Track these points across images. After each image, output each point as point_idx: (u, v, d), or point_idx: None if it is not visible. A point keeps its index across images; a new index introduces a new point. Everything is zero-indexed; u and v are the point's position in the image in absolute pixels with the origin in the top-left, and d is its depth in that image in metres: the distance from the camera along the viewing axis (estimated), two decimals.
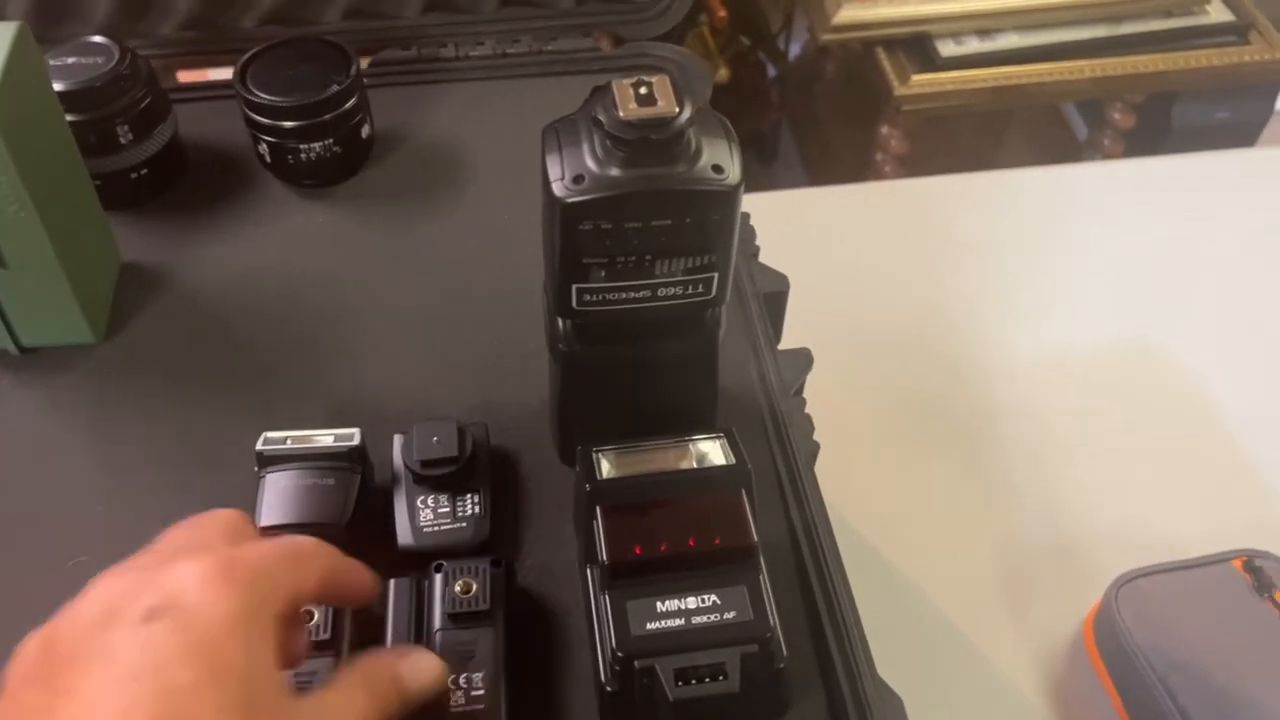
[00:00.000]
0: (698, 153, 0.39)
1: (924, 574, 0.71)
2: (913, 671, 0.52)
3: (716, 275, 0.42)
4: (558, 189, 0.38)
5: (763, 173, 1.84)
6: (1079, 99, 1.70)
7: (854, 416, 0.79)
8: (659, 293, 0.42)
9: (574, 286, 0.41)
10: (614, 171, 0.38)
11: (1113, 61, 1.50)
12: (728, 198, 0.39)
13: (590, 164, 0.38)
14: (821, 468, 0.54)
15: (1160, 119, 1.67)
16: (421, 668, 0.39)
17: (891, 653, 0.47)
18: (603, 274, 0.41)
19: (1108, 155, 1.66)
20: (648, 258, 0.40)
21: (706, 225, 0.40)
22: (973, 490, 0.77)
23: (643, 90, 0.38)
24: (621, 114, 0.37)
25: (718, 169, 0.39)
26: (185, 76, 0.78)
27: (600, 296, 0.42)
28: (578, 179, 0.38)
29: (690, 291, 0.42)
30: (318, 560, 0.37)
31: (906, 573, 0.71)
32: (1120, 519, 0.75)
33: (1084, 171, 1.06)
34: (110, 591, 0.33)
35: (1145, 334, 0.87)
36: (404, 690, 0.38)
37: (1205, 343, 0.86)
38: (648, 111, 0.37)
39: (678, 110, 0.37)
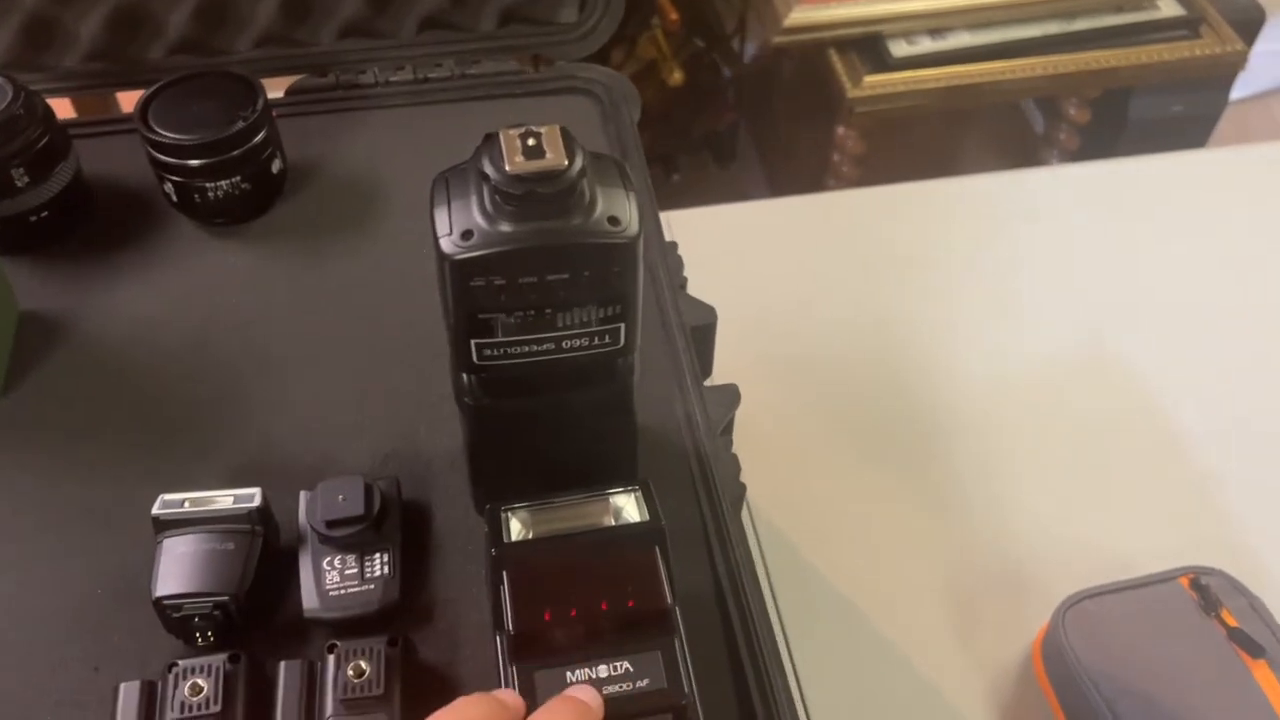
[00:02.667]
0: (592, 204, 0.37)
1: (870, 600, 0.70)
2: (859, 703, 0.51)
3: (624, 325, 0.40)
4: (446, 245, 0.36)
5: (721, 174, 1.82)
6: (1033, 96, 1.69)
7: (797, 434, 0.78)
8: (564, 345, 0.40)
9: (473, 342, 0.40)
10: (504, 227, 0.36)
11: (1066, 59, 1.49)
12: (627, 250, 0.37)
13: (479, 219, 0.36)
14: (762, 496, 0.52)
15: (1116, 113, 1.66)
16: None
17: (836, 684, 0.46)
18: (502, 328, 0.39)
19: (1064, 149, 1.65)
20: (547, 311, 0.39)
21: (608, 277, 0.38)
22: (920, 512, 0.75)
23: (530, 142, 0.36)
24: (508, 168, 0.35)
25: (614, 220, 0.37)
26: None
27: (501, 350, 0.40)
28: (466, 234, 0.36)
29: (598, 343, 0.41)
30: None
31: (851, 602, 0.70)
32: (1069, 537, 0.74)
33: (1034, 178, 1.05)
34: None
35: (1095, 346, 0.86)
36: None
37: (1155, 354, 0.85)
38: (535, 165, 0.35)
39: (567, 163, 0.36)
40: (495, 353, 0.40)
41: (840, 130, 1.55)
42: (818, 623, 0.49)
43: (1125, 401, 0.82)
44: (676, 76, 1.69)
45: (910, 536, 0.74)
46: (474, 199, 0.37)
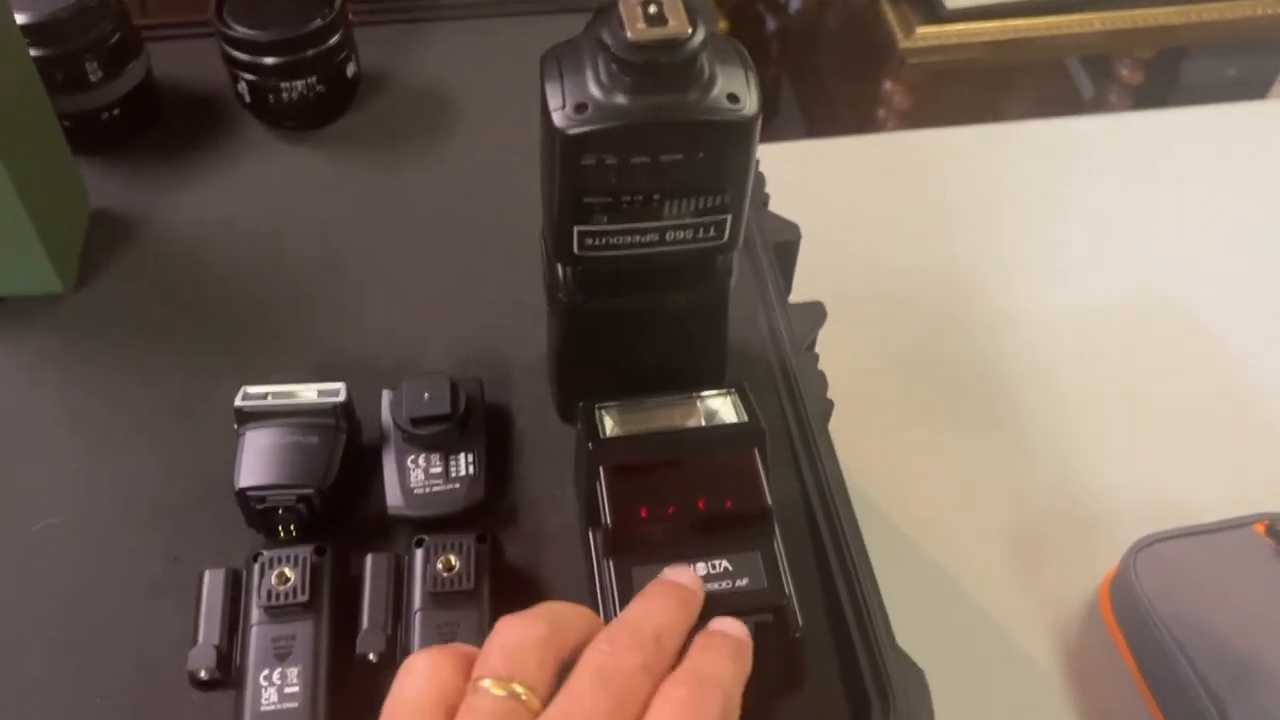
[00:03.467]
0: (711, 80, 0.35)
1: (936, 539, 0.69)
2: (924, 639, 0.50)
3: (729, 217, 0.39)
4: (558, 119, 0.35)
5: (763, 128, 1.79)
6: (1087, 53, 1.66)
7: (863, 375, 0.76)
8: (667, 236, 0.39)
9: (575, 229, 0.38)
10: (620, 100, 0.35)
11: (1122, 15, 1.46)
12: (744, 129, 0.36)
13: (595, 91, 0.35)
14: (832, 425, 0.51)
15: (1168, 76, 1.63)
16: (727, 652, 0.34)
17: (903, 620, 0.45)
18: (606, 216, 0.38)
19: (1115, 112, 1.62)
20: (655, 197, 0.37)
21: (720, 161, 0.37)
22: (986, 453, 0.74)
23: (652, 10, 0.34)
24: (629, 35, 0.34)
25: (733, 98, 0.35)
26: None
27: (603, 240, 0.39)
28: (580, 108, 0.35)
29: (701, 235, 0.39)
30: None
31: (918, 538, 0.69)
32: (1138, 483, 0.73)
33: (1096, 124, 1.03)
34: None
35: (1163, 292, 0.84)
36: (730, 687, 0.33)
37: (1224, 301, 0.83)
38: (658, 32, 0.34)
39: (690, 31, 0.34)
40: (597, 242, 0.39)
41: (888, 84, 1.52)
42: (883, 559, 0.48)
43: (1194, 349, 0.81)
44: (721, 27, 1.66)
45: (975, 477, 0.73)
46: (589, 71, 0.35)
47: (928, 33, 1.43)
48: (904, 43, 1.43)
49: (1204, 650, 0.62)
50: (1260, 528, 0.67)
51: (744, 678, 0.34)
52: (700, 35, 0.34)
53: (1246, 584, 0.65)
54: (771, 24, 1.77)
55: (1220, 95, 1.62)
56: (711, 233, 0.39)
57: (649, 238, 0.39)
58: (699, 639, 0.34)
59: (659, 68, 0.34)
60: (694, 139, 0.36)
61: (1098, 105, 1.66)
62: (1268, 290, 0.84)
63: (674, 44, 0.34)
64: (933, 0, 1.44)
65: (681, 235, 0.39)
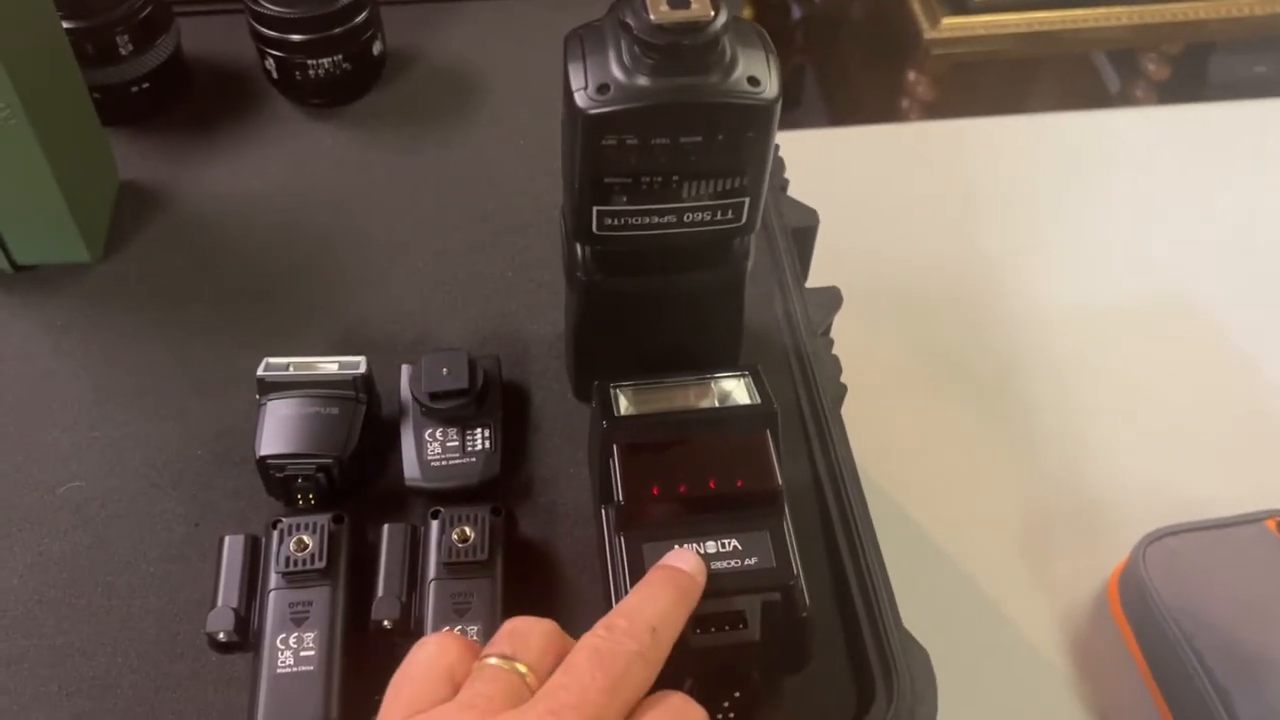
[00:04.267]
0: (733, 63, 0.36)
1: (945, 526, 0.69)
2: (932, 626, 0.50)
3: (747, 200, 0.39)
4: (580, 99, 0.36)
5: (785, 117, 1.78)
6: (1115, 47, 1.64)
7: (876, 362, 0.76)
8: (685, 218, 0.39)
9: (595, 209, 0.39)
10: (642, 81, 0.35)
11: (1151, 8, 1.45)
12: (764, 113, 0.36)
13: (617, 72, 0.35)
14: (844, 412, 0.52)
15: (1195, 72, 1.62)
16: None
17: (910, 606, 0.45)
18: (625, 197, 0.38)
19: (1141, 107, 1.61)
20: (675, 178, 0.38)
21: (740, 144, 0.37)
22: (997, 442, 0.74)
23: None
24: (652, 17, 0.34)
25: (754, 81, 0.36)
26: None
27: (622, 221, 0.39)
28: (602, 88, 0.35)
29: (719, 218, 0.40)
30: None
31: (927, 524, 0.69)
32: (1149, 476, 0.73)
33: (1120, 118, 1.03)
34: None
35: (1180, 288, 0.84)
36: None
37: (1242, 298, 0.83)
38: (681, 15, 0.34)
39: (713, 14, 0.34)
40: (616, 222, 0.39)
41: (911, 75, 1.51)
42: (892, 545, 0.49)
43: (1209, 343, 0.80)
44: (745, 15, 1.66)
45: (986, 468, 0.73)
46: (611, 53, 0.36)
47: (953, 24, 1.42)
48: (929, 33, 1.42)
49: (1211, 644, 0.62)
50: (1272, 523, 0.67)
51: (683, 611, 0.35)
52: (722, 18, 0.35)
53: (1256, 579, 0.65)
54: (796, 12, 1.76)
55: (1248, 92, 1.61)
56: (729, 215, 0.40)
57: (667, 219, 0.39)
58: (650, 573, 0.36)
59: (681, 50, 0.34)
60: (714, 121, 0.36)
61: (1124, 100, 1.65)
62: None
63: (696, 26, 0.34)
64: None
65: (700, 217, 0.40)
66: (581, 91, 0.36)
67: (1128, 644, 0.66)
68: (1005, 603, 0.67)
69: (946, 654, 0.44)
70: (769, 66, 0.36)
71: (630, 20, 0.35)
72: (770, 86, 0.36)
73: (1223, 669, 0.61)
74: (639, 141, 0.36)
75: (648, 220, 0.39)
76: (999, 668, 0.66)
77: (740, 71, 0.36)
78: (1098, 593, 0.69)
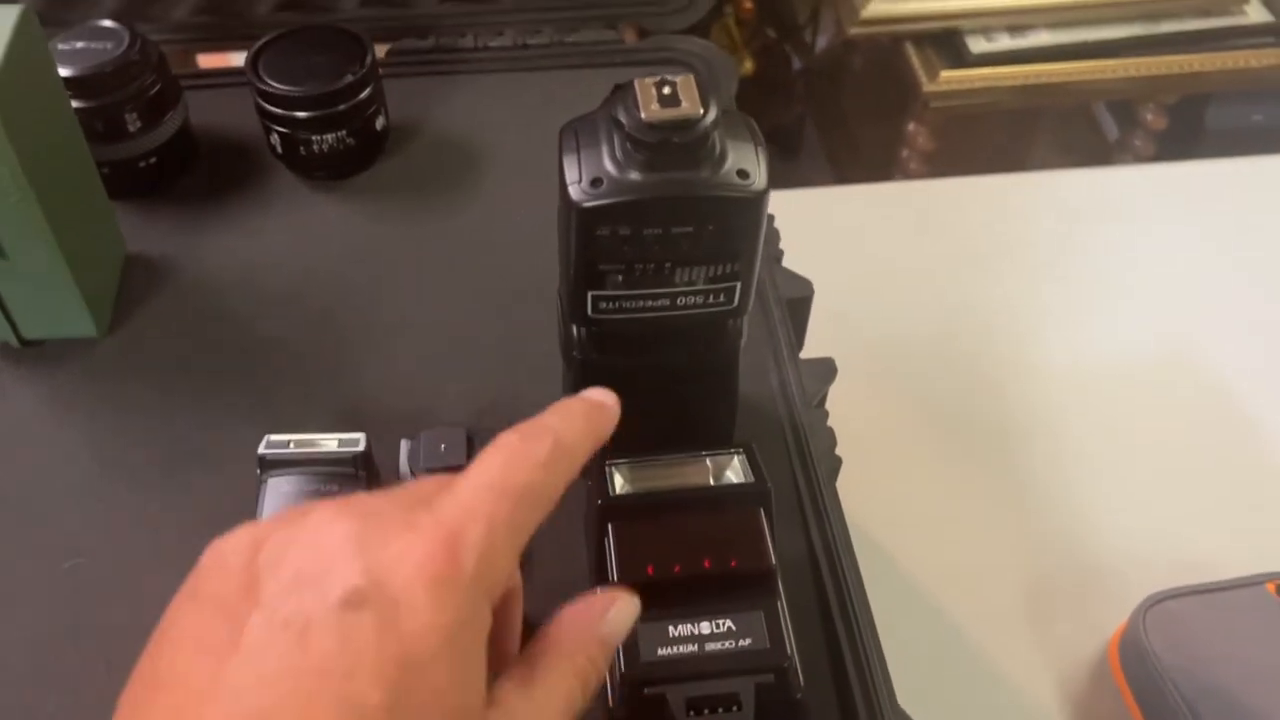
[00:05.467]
0: (722, 156, 0.37)
1: (945, 591, 0.69)
2: (931, 692, 0.50)
3: (739, 284, 0.40)
4: (574, 192, 0.37)
5: (787, 169, 1.81)
6: (1112, 98, 1.66)
7: (877, 426, 0.77)
8: (678, 301, 0.40)
9: (590, 294, 0.40)
10: (634, 175, 0.36)
11: (1147, 61, 1.46)
12: (753, 204, 0.37)
13: (609, 167, 0.36)
14: (843, 479, 0.52)
15: (1193, 121, 1.63)
16: (621, 618, 0.33)
17: (908, 672, 0.45)
18: (620, 280, 0.39)
19: (1139, 157, 1.63)
20: (667, 265, 0.39)
21: (730, 233, 0.38)
22: (998, 504, 0.74)
23: (666, 90, 0.36)
24: (643, 115, 0.35)
25: (743, 174, 0.37)
26: (207, 62, 0.77)
27: (617, 304, 0.40)
28: (595, 182, 0.36)
29: (711, 301, 0.41)
30: (549, 489, 0.32)
31: (927, 589, 0.69)
32: (1150, 537, 0.73)
33: (1117, 175, 1.04)
34: (323, 543, 0.29)
35: (1178, 344, 0.84)
36: (609, 650, 0.33)
37: (1239, 354, 0.83)
38: (671, 113, 0.35)
39: (703, 112, 0.35)
40: (610, 305, 0.40)
41: (911, 126, 1.53)
42: (890, 611, 0.49)
43: (1210, 401, 0.81)
44: (747, 66, 1.68)
45: (989, 528, 0.73)
46: (604, 147, 0.37)
47: (951, 77, 1.44)
48: (928, 86, 1.44)
49: (1213, 709, 0.62)
50: (1272, 586, 0.67)
51: (592, 435, 0.34)
52: (712, 115, 0.36)
53: (1257, 643, 0.65)
54: (797, 64, 1.79)
55: (1246, 140, 1.63)
56: (722, 299, 0.41)
57: (661, 302, 0.40)
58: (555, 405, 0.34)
59: (671, 146, 0.35)
60: (704, 213, 0.37)
61: (1122, 148, 1.66)
62: None
63: (686, 124, 0.35)
64: (957, 45, 1.45)
65: (693, 300, 0.40)
66: (575, 185, 0.37)
67: (1129, 709, 0.66)
68: (1005, 666, 0.67)
69: (946, 718, 0.45)
70: (758, 158, 0.37)
71: (623, 117, 0.36)
72: (759, 178, 0.37)
73: None
74: (631, 232, 0.37)
75: (641, 304, 0.40)
76: None
77: (730, 165, 0.37)
78: (1098, 656, 0.68)
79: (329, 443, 0.45)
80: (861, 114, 1.78)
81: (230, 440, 0.49)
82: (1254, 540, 0.73)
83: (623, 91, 0.36)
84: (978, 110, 1.49)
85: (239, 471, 0.47)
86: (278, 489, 0.44)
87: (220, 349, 0.53)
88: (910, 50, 1.47)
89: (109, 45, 0.55)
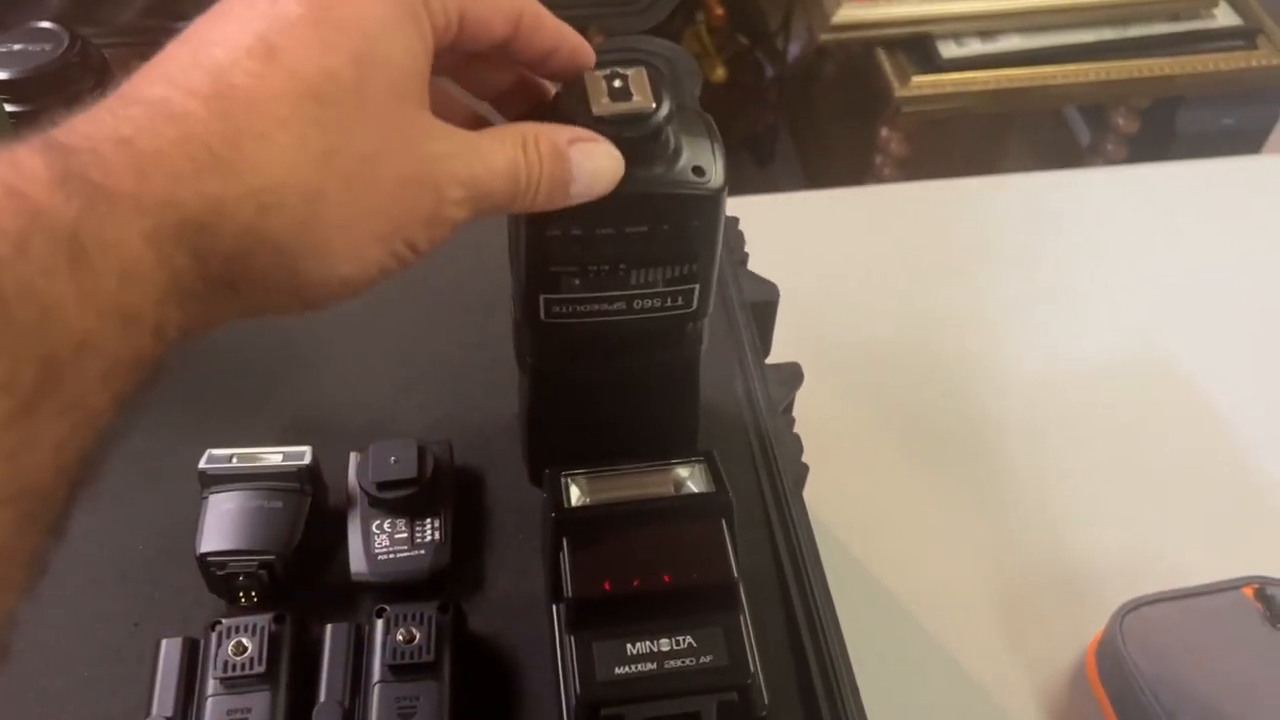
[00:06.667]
0: (677, 153, 0.35)
1: (919, 600, 0.68)
2: (906, 703, 0.49)
3: (698, 287, 0.39)
4: None
5: (760, 175, 1.80)
6: (1083, 102, 1.66)
7: (846, 433, 0.76)
8: (635, 305, 0.39)
9: (542, 297, 0.38)
10: None
11: (1117, 65, 1.46)
12: (710, 203, 0.36)
13: None
14: (811, 487, 0.51)
15: (1164, 125, 1.63)
16: (596, 157, 0.33)
17: (880, 687, 0.44)
18: (574, 283, 0.38)
19: (1110, 160, 1.63)
20: (622, 266, 0.37)
21: (687, 232, 0.36)
22: (971, 512, 0.73)
23: (617, 84, 0.34)
24: (593, 109, 0.34)
25: (699, 171, 0.35)
26: None
27: (571, 308, 0.38)
28: None
29: (669, 304, 0.39)
30: None
31: (900, 599, 0.68)
32: (1125, 543, 0.72)
33: (1087, 177, 1.03)
34: None
35: (1151, 347, 0.84)
36: (565, 170, 0.32)
37: (1213, 356, 0.83)
38: (622, 107, 0.34)
39: (655, 106, 0.34)
40: (564, 309, 0.38)
41: (884, 131, 1.53)
42: (863, 621, 0.48)
43: (1184, 404, 0.80)
44: (719, 73, 1.67)
45: (963, 536, 0.72)
46: None
47: (923, 82, 1.43)
48: (900, 91, 1.43)
49: (1191, 715, 0.61)
50: (1249, 591, 0.66)
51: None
52: (665, 109, 0.34)
53: (1234, 648, 0.64)
54: (770, 71, 1.78)
55: (1216, 144, 1.63)
56: (680, 302, 0.39)
57: (616, 305, 0.39)
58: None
59: (623, 141, 0.34)
60: (659, 212, 0.35)
61: (1094, 152, 1.66)
62: (1260, 348, 0.84)
63: (638, 118, 0.34)
64: (929, 50, 1.44)
65: (650, 304, 0.39)
66: None
67: (1107, 717, 0.65)
68: (980, 676, 0.66)
69: None
70: (714, 155, 0.36)
71: (572, 112, 0.34)
72: (715, 176, 0.35)
73: None
74: (583, 232, 0.36)
75: (596, 308, 0.38)
76: None
77: (685, 161, 0.35)
78: (1076, 663, 0.67)
79: (273, 457, 0.43)
80: (834, 120, 1.78)
81: (171, 455, 0.47)
82: (1230, 545, 0.72)
83: (572, 85, 0.35)
84: (950, 115, 1.48)
85: (183, 485, 0.45)
86: (219, 506, 0.43)
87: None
88: (882, 56, 1.47)
89: (47, 47, 0.53)
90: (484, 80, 0.36)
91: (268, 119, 0.27)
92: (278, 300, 0.29)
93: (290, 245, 0.28)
